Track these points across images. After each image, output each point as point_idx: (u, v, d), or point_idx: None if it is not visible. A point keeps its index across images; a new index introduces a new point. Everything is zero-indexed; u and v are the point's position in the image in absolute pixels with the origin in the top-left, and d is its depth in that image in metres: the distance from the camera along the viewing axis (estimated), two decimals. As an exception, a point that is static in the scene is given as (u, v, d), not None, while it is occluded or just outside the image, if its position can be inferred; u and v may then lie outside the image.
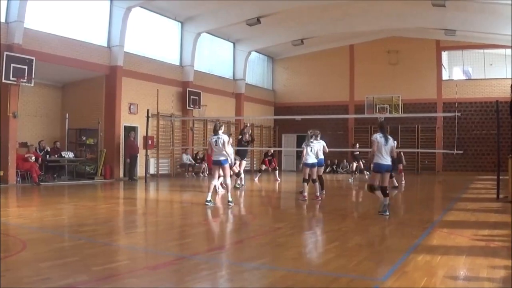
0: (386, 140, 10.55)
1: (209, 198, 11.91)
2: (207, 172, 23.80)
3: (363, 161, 23.64)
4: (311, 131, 13.55)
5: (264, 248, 7.34)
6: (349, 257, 6.43)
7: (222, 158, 12.05)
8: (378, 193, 10.48)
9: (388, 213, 10.33)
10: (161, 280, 5.36)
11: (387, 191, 10.61)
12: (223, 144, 11.95)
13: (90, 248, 6.83)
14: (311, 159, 13.30)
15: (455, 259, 6.30)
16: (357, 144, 24.04)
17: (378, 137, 10.57)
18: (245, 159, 17.64)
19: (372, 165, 10.85)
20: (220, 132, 12.24)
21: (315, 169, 13.49)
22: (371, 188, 10.72)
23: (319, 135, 13.93)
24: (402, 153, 18.12)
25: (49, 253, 6.41)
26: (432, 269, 5.77)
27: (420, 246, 7.11)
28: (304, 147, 13.35)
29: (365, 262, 6.19)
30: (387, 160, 10.52)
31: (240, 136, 17.49)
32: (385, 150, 10.51)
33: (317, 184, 13.58)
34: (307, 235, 8.08)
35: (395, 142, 11.24)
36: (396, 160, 17.22)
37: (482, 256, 6.44)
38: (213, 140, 12.10)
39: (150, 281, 5.28)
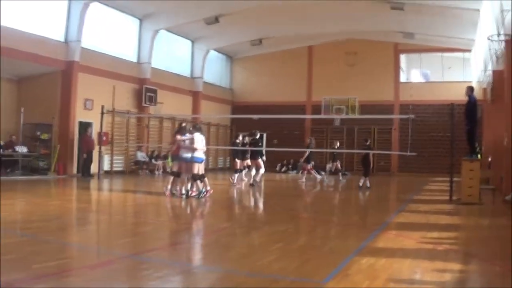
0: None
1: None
2: (162, 170, 23.71)
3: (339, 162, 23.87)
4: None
5: (206, 249, 7.27)
6: (291, 259, 6.29)
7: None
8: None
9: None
10: (95, 280, 5.21)
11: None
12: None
13: (33, 245, 6.62)
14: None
15: (400, 262, 6.15)
16: (338, 142, 23.88)
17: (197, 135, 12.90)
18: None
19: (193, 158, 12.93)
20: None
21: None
22: (194, 177, 13.02)
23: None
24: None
25: (-12, 250, 6.08)
26: (375, 272, 5.62)
27: (365, 249, 6.95)
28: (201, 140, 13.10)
29: (307, 264, 6.06)
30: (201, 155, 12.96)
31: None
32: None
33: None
34: (252, 235, 7.90)
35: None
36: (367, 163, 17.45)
37: (428, 259, 6.33)
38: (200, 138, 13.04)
39: (86, 281, 5.15)
